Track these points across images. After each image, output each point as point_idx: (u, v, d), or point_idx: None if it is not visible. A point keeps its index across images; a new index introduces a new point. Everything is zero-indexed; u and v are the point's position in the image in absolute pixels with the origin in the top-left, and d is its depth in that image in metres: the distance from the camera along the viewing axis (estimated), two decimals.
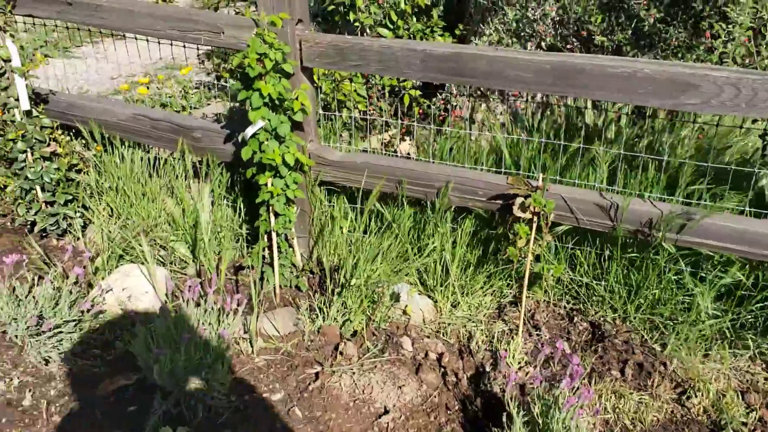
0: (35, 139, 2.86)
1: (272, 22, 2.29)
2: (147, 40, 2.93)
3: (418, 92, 3.62)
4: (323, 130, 3.06)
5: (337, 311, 2.48)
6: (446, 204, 2.50)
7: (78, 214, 3.02)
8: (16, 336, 2.36)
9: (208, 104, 4.69)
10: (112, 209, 3.06)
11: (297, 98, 2.36)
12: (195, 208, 2.86)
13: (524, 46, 3.84)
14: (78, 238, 3.03)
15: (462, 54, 2.21)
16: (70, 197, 2.99)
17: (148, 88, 4.28)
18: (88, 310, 2.46)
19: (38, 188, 2.95)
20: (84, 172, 3.15)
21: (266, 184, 2.46)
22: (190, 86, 4.76)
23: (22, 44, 2.82)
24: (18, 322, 2.35)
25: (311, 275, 2.79)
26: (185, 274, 2.84)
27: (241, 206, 2.89)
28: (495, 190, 2.40)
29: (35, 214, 2.96)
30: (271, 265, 2.67)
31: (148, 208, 3.00)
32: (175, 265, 2.86)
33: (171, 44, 2.83)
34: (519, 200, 2.25)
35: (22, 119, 2.83)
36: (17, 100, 2.80)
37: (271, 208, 2.52)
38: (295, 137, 2.44)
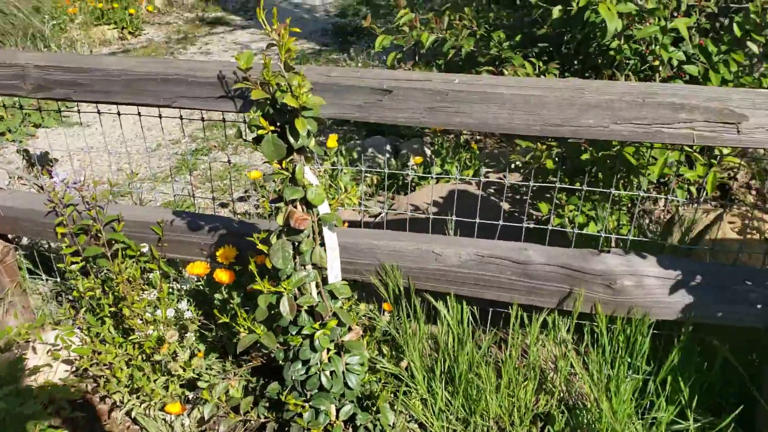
0: (338, 326, 1.61)
1: None
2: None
3: None
4: None
5: None
6: None
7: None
8: None
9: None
10: (426, 405, 1.86)
11: None
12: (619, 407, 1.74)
13: None
14: None
15: None
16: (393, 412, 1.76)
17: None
18: None
19: (333, 406, 1.70)
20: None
21: None
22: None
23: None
24: None
25: None
26: None
27: (685, 394, 1.77)
28: None
29: None
30: None
31: (501, 400, 1.84)
32: None
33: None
34: None
35: (320, 299, 1.58)
36: (319, 268, 1.54)
37: None
38: None
